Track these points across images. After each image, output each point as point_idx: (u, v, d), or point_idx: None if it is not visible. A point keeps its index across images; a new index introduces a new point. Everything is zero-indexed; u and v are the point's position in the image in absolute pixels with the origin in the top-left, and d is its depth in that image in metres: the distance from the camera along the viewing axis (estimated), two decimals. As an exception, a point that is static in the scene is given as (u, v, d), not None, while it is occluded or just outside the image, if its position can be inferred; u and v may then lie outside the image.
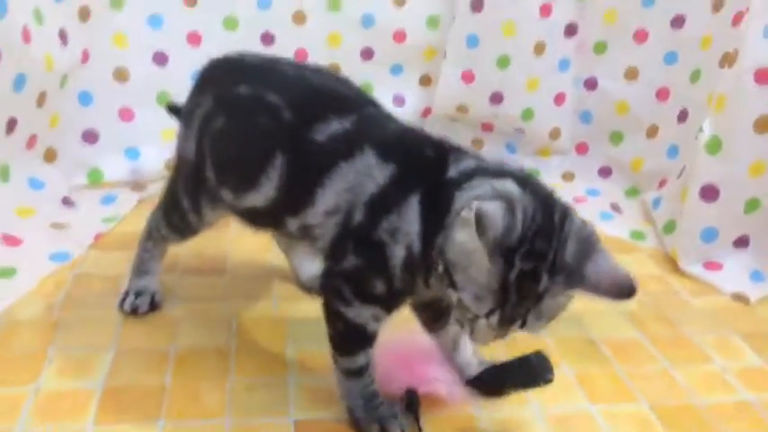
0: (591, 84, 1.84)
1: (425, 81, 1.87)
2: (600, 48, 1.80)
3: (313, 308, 1.19)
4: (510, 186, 0.79)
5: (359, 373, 0.94)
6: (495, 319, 0.78)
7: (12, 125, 1.35)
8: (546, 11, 1.74)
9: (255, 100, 0.97)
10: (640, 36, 1.75)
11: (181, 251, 1.28)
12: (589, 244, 0.77)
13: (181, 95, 1.12)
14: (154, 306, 1.18)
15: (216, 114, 1.01)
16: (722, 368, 1.16)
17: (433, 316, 1.01)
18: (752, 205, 1.43)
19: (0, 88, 1.29)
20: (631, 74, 1.78)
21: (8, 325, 1.12)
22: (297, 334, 1.16)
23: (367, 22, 1.78)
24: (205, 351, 1.10)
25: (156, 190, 1.36)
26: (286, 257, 1.31)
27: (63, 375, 1.02)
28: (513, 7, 1.72)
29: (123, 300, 1.17)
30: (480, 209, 0.73)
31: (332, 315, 0.92)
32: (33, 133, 1.44)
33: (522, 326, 0.79)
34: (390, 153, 0.88)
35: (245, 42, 1.65)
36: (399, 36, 1.81)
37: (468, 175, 0.83)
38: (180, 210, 1.10)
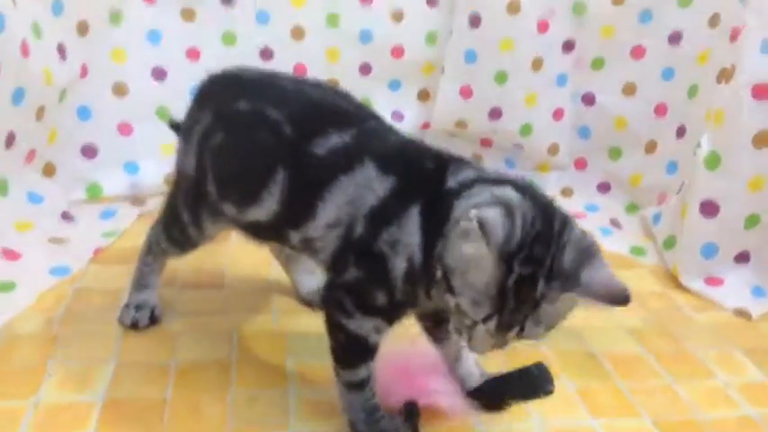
0: (589, 99, 1.85)
1: (424, 96, 1.88)
2: (597, 63, 1.81)
3: (313, 322, 1.20)
4: (509, 193, 0.79)
5: (360, 385, 0.93)
6: (492, 324, 0.78)
7: (11, 139, 1.35)
8: (543, 27, 1.75)
9: (255, 115, 0.97)
10: (638, 52, 1.76)
11: (180, 266, 1.28)
12: (588, 253, 0.77)
13: (180, 110, 1.12)
14: (154, 320, 1.17)
15: (216, 130, 1.01)
16: (725, 383, 1.16)
17: (437, 326, 1.01)
18: (752, 221, 1.43)
19: (-1, 101, 1.28)
20: (629, 89, 1.79)
21: (8, 339, 1.11)
22: (297, 347, 1.15)
23: (365, 37, 1.79)
24: (205, 364, 1.09)
25: (156, 204, 1.36)
26: (285, 272, 1.30)
27: (63, 388, 1.01)
28: (511, 23, 1.73)
29: (123, 314, 1.17)
30: (481, 216, 0.73)
31: (334, 327, 0.92)
32: (32, 147, 1.44)
33: (521, 332, 0.78)
34: (390, 165, 0.88)
35: (243, 57, 1.65)
36: (397, 51, 1.82)
37: (468, 185, 0.83)
38: (180, 223, 1.10)
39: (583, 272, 0.75)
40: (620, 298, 0.74)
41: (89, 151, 1.59)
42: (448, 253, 0.78)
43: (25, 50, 1.31)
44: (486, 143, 1.89)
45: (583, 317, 1.27)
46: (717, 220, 1.42)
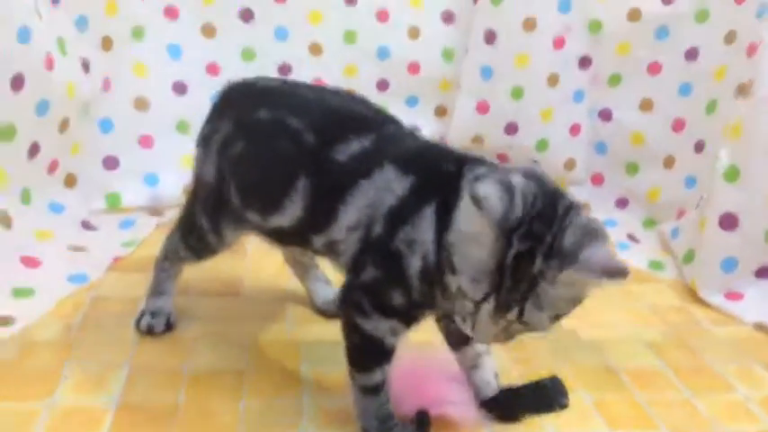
0: (605, 115, 1.85)
1: (440, 112, 1.89)
2: (614, 80, 1.82)
3: (327, 330, 1.21)
4: (514, 177, 0.79)
5: (375, 390, 0.93)
6: (491, 305, 0.77)
7: (34, 150, 1.37)
8: (559, 43, 1.76)
9: (276, 124, 0.98)
10: (654, 68, 1.76)
11: (196, 275, 1.28)
12: (591, 235, 0.76)
13: (200, 124, 1.13)
14: (169, 326, 1.18)
15: (236, 138, 1.02)
16: (745, 397, 1.14)
17: (457, 331, 0.99)
18: (772, 234, 1.41)
19: (24, 112, 1.31)
20: (646, 105, 1.79)
21: (25, 344, 1.12)
22: (311, 356, 1.15)
23: (382, 54, 1.81)
24: (219, 371, 1.09)
25: (174, 215, 1.37)
26: (300, 281, 1.31)
27: (78, 392, 1.01)
28: (527, 40, 1.74)
29: (139, 320, 1.18)
30: (476, 188, 0.73)
31: (350, 328, 0.92)
32: (55, 158, 1.46)
33: (521, 315, 0.77)
34: (410, 166, 0.88)
35: (262, 72, 1.64)
36: (414, 68, 1.83)
37: (478, 178, 0.82)
38: (198, 231, 1.11)
39: (583, 251, 0.74)
40: (617, 272, 0.73)
41: (110, 163, 1.62)
42: (451, 231, 0.79)
43: (50, 64, 1.34)
44: (502, 158, 1.88)
45: (601, 330, 1.29)
46: (736, 234, 1.41)
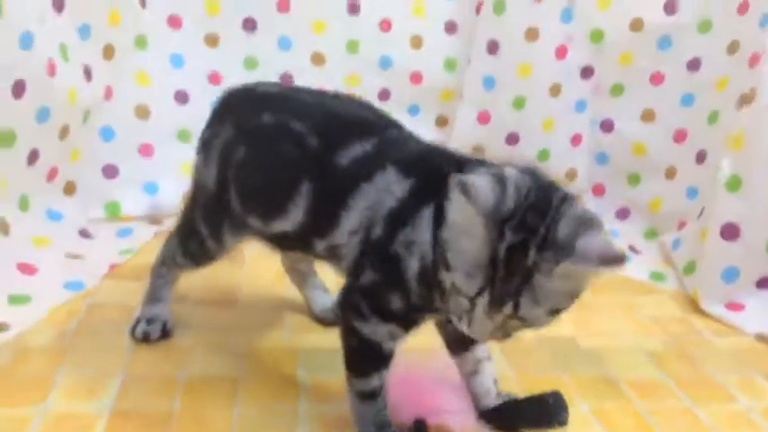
0: (607, 126, 1.84)
1: (442, 122, 1.89)
2: (616, 90, 1.81)
3: (325, 339, 1.20)
4: (507, 170, 0.78)
5: (372, 396, 0.92)
6: (485, 300, 0.75)
7: (34, 156, 1.37)
8: (561, 53, 1.76)
9: (280, 128, 0.98)
10: (656, 79, 1.76)
11: (194, 283, 1.28)
12: (586, 225, 0.74)
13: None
14: (165, 333, 1.17)
15: (238, 143, 1.02)
16: (747, 408, 1.12)
17: (457, 336, 0.98)
18: (774, 245, 1.40)
19: (24, 119, 1.31)
20: (648, 116, 1.78)
21: (19, 350, 1.11)
22: (308, 364, 1.14)
23: (385, 63, 1.81)
24: (215, 378, 1.08)
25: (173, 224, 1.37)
26: (298, 289, 1.30)
27: (71, 398, 1.01)
28: (529, 50, 1.74)
29: (134, 327, 1.17)
30: (465, 179, 0.72)
31: (348, 332, 0.91)
32: (54, 165, 1.46)
33: (516, 310, 0.75)
34: (411, 169, 0.88)
35: None
36: (416, 78, 1.83)
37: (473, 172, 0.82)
38: (198, 237, 1.10)
39: (578, 241, 0.72)
40: (614, 259, 0.71)
41: (110, 171, 1.61)
42: (444, 227, 0.78)
43: (51, 70, 1.34)
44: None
45: (601, 340, 1.27)
46: (738, 244, 1.40)
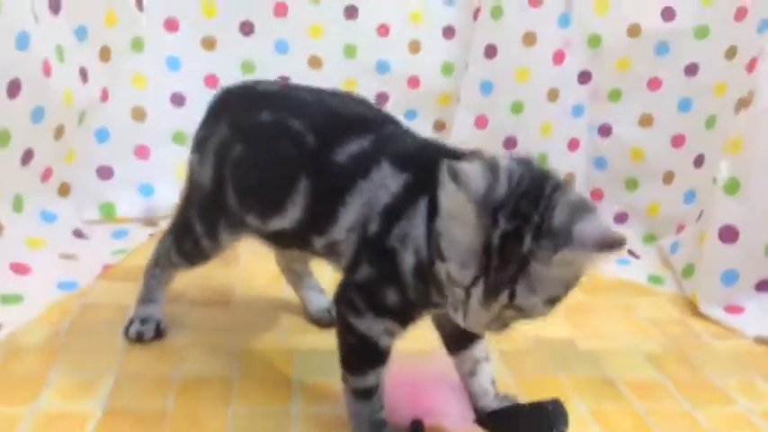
0: (605, 130, 1.84)
1: (439, 126, 1.89)
2: (614, 95, 1.81)
3: (320, 340, 1.19)
4: (500, 158, 0.77)
5: (368, 394, 0.91)
6: (480, 288, 0.74)
7: (28, 157, 1.36)
8: (559, 58, 1.76)
9: (278, 126, 0.97)
10: (654, 84, 1.76)
11: (188, 284, 1.27)
12: (581, 210, 0.73)
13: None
14: (159, 333, 1.16)
15: (235, 142, 1.01)
16: (747, 410, 1.11)
17: (455, 334, 0.97)
18: (773, 247, 1.39)
19: (18, 118, 1.30)
20: (646, 121, 1.78)
21: (11, 349, 1.11)
22: (302, 364, 1.13)
23: (382, 68, 1.81)
24: (208, 378, 1.07)
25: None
26: (294, 290, 1.29)
27: (63, 397, 1.00)
28: (527, 54, 1.74)
29: (128, 326, 1.16)
30: (455, 165, 0.71)
31: (344, 328, 0.90)
32: (49, 166, 1.45)
33: (512, 298, 0.73)
34: (406, 163, 0.88)
35: None
36: (414, 82, 1.83)
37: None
38: (192, 236, 1.10)
39: (575, 227, 0.71)
40: (613, 243, 0.69)
41: (105, 172, 1.61)
42: (438, 218, 0.77)
43: (47, 70, 1.34)
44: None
45: (600, 341, 1.26)
46: (737, 247, 1.39)
